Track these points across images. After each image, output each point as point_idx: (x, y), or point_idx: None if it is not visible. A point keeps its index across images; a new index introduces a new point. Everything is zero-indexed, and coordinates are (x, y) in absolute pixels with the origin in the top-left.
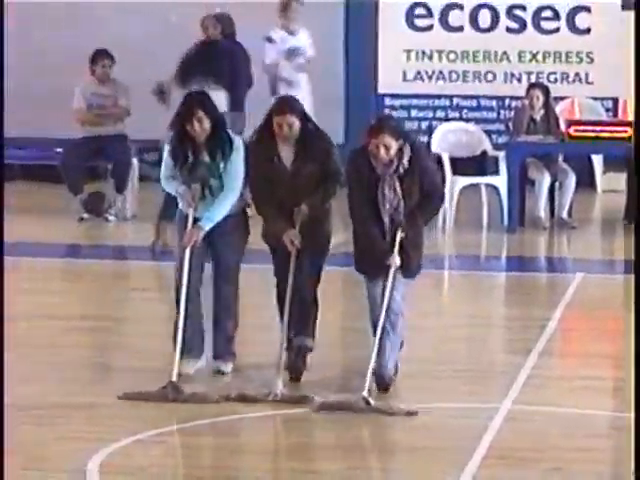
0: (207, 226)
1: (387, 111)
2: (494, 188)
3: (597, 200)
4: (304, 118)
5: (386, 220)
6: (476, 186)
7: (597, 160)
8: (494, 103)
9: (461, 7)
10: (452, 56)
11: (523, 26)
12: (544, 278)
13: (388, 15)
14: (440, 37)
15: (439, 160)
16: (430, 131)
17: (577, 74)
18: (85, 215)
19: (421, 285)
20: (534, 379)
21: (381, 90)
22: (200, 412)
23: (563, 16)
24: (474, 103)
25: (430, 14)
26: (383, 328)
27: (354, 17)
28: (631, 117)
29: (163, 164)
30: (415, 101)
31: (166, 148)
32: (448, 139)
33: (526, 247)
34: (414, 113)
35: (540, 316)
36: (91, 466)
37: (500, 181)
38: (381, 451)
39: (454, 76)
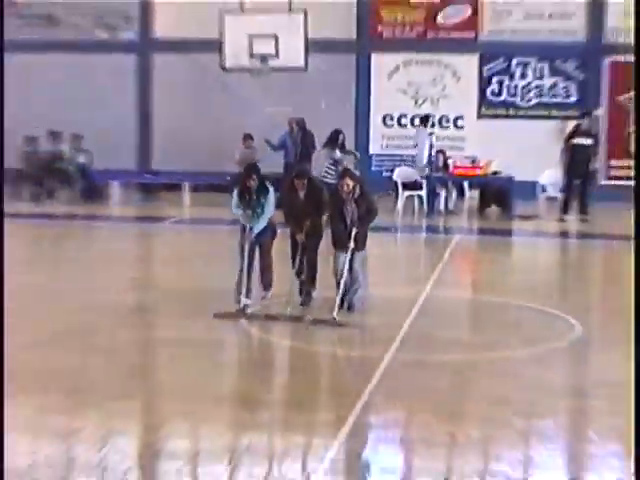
0: (256, 231)
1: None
2: (420, 197)
3: (465, 202)
4: (310, 178)
5: (348, 222)
6: (412, 195)
7: (465, 184)
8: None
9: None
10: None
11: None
12: (440, 237)
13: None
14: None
15: (395, 184)
16: (393, 169)
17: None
18: None
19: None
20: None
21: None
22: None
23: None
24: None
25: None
26: (350, 280)
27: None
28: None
29: (233, 200)
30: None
31: (235, 192)
32: (401, 173)
33: (434, 223)
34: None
35: (438, 256)
36: None
37: (424, 193)
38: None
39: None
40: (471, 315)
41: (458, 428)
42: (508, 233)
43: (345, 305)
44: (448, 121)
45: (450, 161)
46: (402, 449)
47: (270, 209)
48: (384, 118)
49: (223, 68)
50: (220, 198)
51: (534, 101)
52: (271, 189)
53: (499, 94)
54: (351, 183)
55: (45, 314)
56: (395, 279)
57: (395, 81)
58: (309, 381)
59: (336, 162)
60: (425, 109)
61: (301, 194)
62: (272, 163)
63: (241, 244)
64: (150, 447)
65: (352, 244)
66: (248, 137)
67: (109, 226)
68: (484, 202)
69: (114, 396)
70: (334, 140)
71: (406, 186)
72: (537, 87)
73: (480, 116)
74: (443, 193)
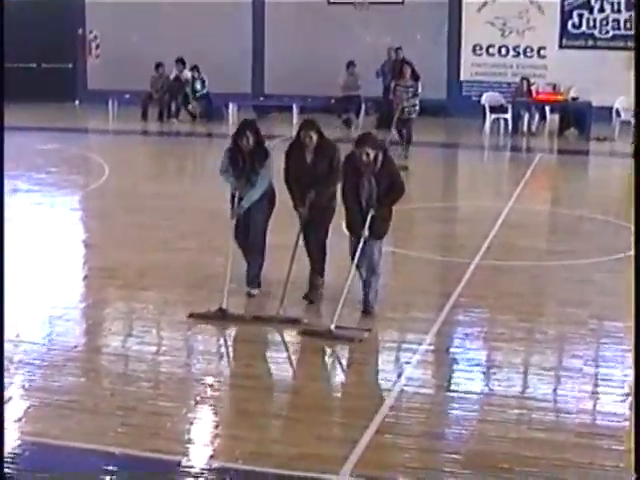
0: (246, 205)
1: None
2: (505, 119)
3: (546, 125)
4: (320, 133)
5: (363, 203)
6: (499, 118)
7: (547, 108)
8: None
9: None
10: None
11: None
12: (523, 157)
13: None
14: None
15: (483, 107)
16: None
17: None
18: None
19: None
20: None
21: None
22: None
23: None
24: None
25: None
26: (367, 272)
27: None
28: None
29: (221, 162)
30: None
31: (226, 153)
32: (488, 97)
33: (517, 143)
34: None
35: (520, 173)
36: None
37: (509, 116)
38: None
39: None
40: (550, 226)
41: (536, 327)
42: (585, 153)
43: (366, 301)
44: (532, 51)
45: (533, 87)
46: (486, 345)
47: (267, 178)
48: (474, 48)
49: (328, 2)
50: (325, 119)
51: (611, 33)
52: (270, 153)
53: (579, 26)
54: (372, 152)
55: (173, 218)
56: (482, 193)
57: (484, 14)
58: (403, 283)
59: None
60: (511, 40)
61: (308, 155)
62: (373, 88)
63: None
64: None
65: (366, 232)
66: (351, 64)
67: (225, 143)
68: (563, 125)
69: (230, 290)
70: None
71: (493, 109)
72: (614, 20)
73: (561, 46)
74: (526, 116)
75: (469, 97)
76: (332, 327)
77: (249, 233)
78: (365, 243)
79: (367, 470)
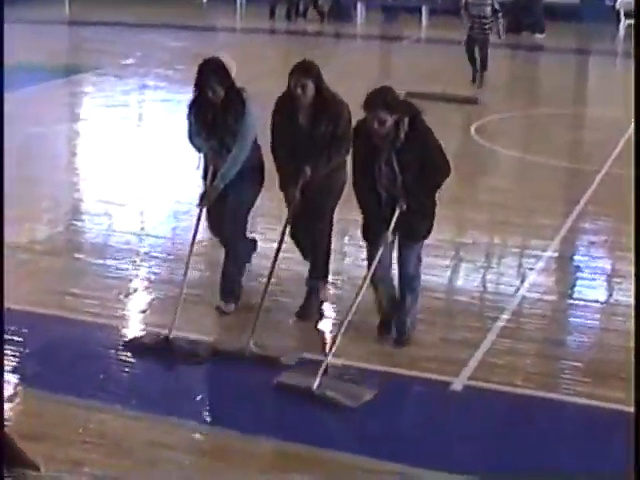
0: (221, 184)
1: None
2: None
3: None
4: (319, 82)
5: (382, 193)
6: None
7: None
8: None
9: None
10: None
11: None
12: None
13: None
14: None
15: (617, 12)
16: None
17: None
18: None
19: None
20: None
21: None
22: None
23: None
24: None
25: None
26: (401, 289)
27: None
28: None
29: (187, 123)
30: None
31: (189, 109)
32: (623, 2)
33: None
34: None
35: None
36: None
37: None
38: None
39: None
40: None
41: None
42: None
43: (392, 332)
44: None
45: None
46: (610, 254)
47: (247, 142)
48: None
49: None
50: (454, 21)
51: None
52: (250, 104)
53: None
54: (389, 117)
55: None
56: (613, 101)
57: None
58: (529, 190)
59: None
60: None
61: (302, 114)
62: None
63: (197, 217)
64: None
65: (389, 235)
66: None
67: (352, 43)
68: None
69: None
70: None
71: (627, 15)
72: None
73: None
74: None
75: (602, 2)
76: (314, 384)
77: (224, 223)
78: (399, 249)
79: (486, 374)
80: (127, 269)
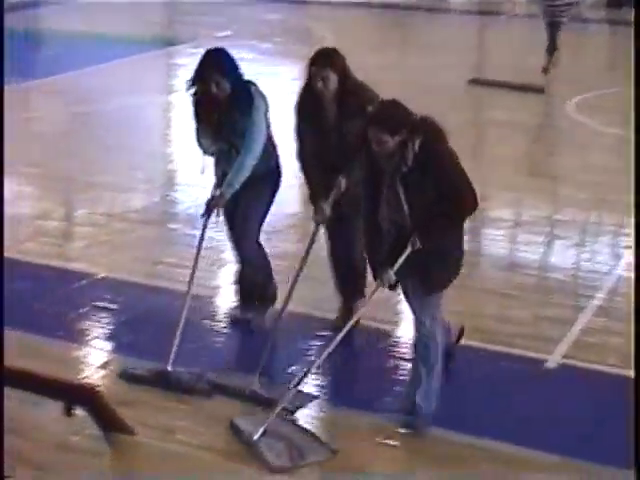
0: (228, 194)
1: None
2: None
3: None
4: (343, 73)
5: (385, 225)
6: None
7: None
8: None
9: None
10: None
11: None
12: None
13: None
14: None
15: None
16: None
17: None
18: None
19: None
20: None
21: None
22: None
23: None
24: None
25: None
26: (413, 358)
27: None
28: None
29: (194, 123)
30: None
31: (192, 108)
32: None
33: None
34: None
35: None
36: None
37: None
38: None
39: None
40: None
41: None
42: None
43: (398, 408)
44: None
45: None
46: None
47: (255, 141)
48: None
49: None
50: None
51: None
52: (259, 100)
53: None
54: (389, 139)
55: (393, 92)
56: None
57: None
58: (629, 167)
59: None
60: None
61: (327, 110)
62: None
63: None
64: (477, 214)
65: (391, 278)
66: None
67: (447, 17)
68: None
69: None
70: None
71: None
72: None
73: None
74: None
75: None
76: (256, 434)
77: (239, 236)
78: (410, 301)
79: (580, 352)
80: (220, 240)
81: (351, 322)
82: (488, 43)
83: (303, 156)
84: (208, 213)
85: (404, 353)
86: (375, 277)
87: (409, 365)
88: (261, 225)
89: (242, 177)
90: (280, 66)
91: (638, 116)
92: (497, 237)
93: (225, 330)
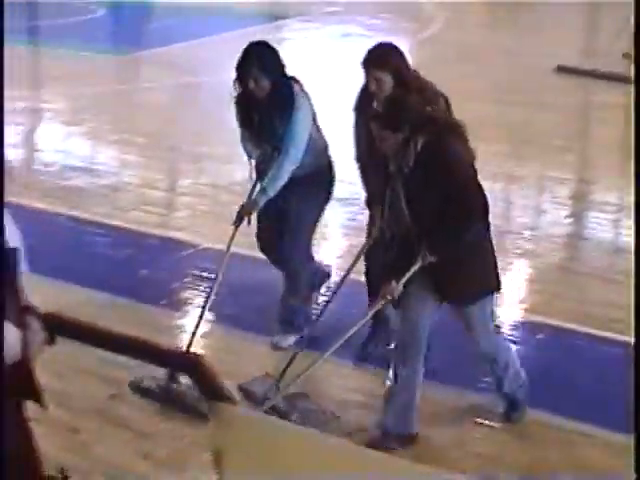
0: (261, 201)
1: None
2: None
3: None
4: (399, 73)
5: (387, 233)
6: None
7: None
8: None
9: None
10: None
11: None
12: None
13: None
14: None
15: None
16: None
17: None
18: None
19: None
20: None
21: None
22: None
23: None
24: None
25: None
26: (486, 360)
27: None
28: None
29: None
30: None
31: (235, 108)
32: None
33: None
34: None
35: None
36: None
37: None
38: None
39: None
40: None
41: None
42: None
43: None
44: None
45: None
46: None
47: (294, 146)
48: None
49: None
50: None
51: None
52: (302, 100)
53: None
54: (390, 136)
55: (504, 72)
56: None
57: None
58: None
59: None
60: None
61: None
62: None
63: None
64: (582, 198)
65: (393, 291)
66: None
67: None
68: None
69: (554, 149)
70: None
71: None
72: None
73: None
74: None
75: None
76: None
77: (278, 242)
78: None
79: None
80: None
81: (340, 341)
82: (592, 26)
83: (360, 158)
84: (239, 220)
85: (504, 333)
86: (371, 291)
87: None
88: (312, 234)
89: (278, 184)
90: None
91: (638, 115)
92: (602, 221)
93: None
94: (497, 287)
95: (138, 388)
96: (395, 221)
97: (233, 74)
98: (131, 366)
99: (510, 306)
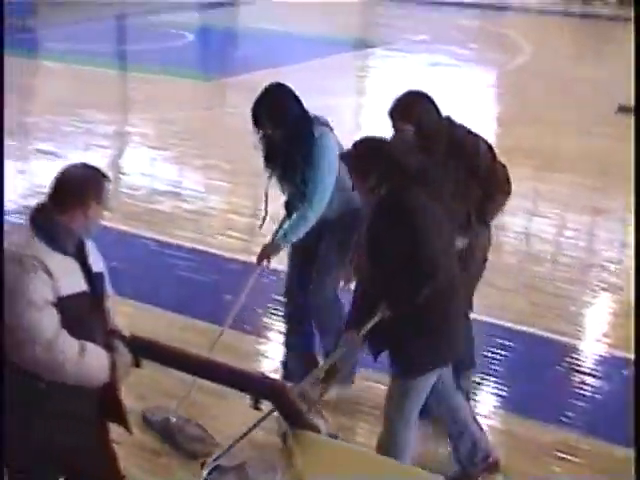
0: (283, 245)
1: None
2: None
3: None
4: (421, 124)
5: (357, 285)
6: None
7: None
8: None
9: None
10: None
11: None
12: None
13: None
14: None
15: None
16: None
17: None
18: None
19: None
20: None
21: None
22: None
23: None
24: None
25: None
26: (449, 423)
27: None
28: None
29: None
30: None
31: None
32: None
33: None
34: None
35: None
36: None
37: None
38: None
39: None
40: None
41: None
42: None
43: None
44: None
45: None
46: None
47: (316, 192)
48: None
49: None
50: None
51: None
52: (322, 139)
53: None
54: (361, 184)
55: (592, 103)
56: None
57: None
58: None
59: None
60: None
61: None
62: None
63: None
64: None
65: (355, 340)
66: None
67: None
68: None
69: None
70: None
71: None
72: None
73: None
74: None
75: None
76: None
77: (307, 282)
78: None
79: None
80: None
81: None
82: None
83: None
84: (259, 262)
85: (587, 368)
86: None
87: (592, 380)
88: (339, 273)
89: (300, 232)
90: (475, 72)
91: (638, 115)
92: None
93: None
94: (446, 363)
95: (144, 419)
96: (358, 269)
97: (319, 101)
98: (213, 390)
99: (594, 341)
